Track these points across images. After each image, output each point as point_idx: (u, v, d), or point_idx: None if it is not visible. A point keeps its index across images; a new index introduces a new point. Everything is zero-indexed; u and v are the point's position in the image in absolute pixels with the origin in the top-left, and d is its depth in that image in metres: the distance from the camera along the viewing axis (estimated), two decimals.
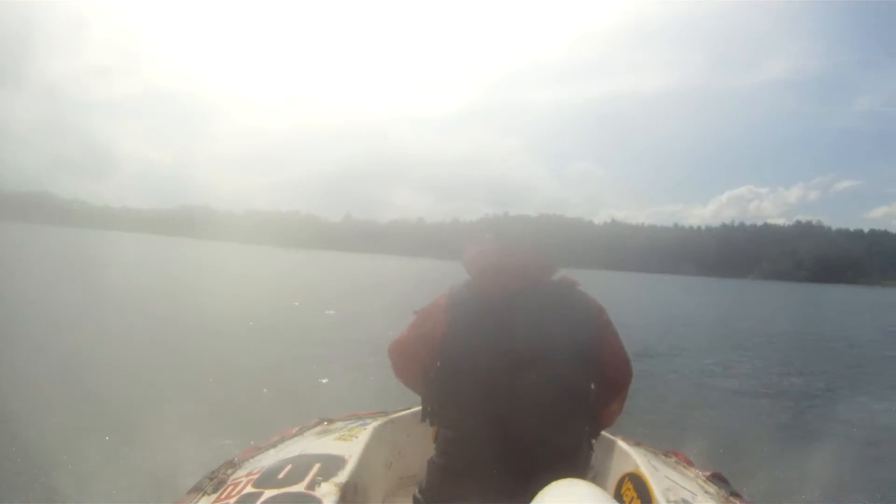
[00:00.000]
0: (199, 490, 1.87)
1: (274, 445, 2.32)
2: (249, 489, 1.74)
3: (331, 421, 2.64)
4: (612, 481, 2.22)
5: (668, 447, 2.62)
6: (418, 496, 1.93)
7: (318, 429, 2.53)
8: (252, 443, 2.42)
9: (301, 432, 2.49)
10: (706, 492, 2.00)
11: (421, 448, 2.30)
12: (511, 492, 1.67)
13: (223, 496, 1.76)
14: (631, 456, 2.17)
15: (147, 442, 4.61)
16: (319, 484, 1.74)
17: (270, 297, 18.17)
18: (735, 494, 2.05)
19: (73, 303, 13.04)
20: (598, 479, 2.18)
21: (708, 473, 2.22)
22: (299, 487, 1.72)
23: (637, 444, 2.44)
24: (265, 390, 6.85)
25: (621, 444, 2.35)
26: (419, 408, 2.07)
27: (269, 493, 1.69)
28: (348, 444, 2.13)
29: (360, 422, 2.56)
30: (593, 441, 1.93)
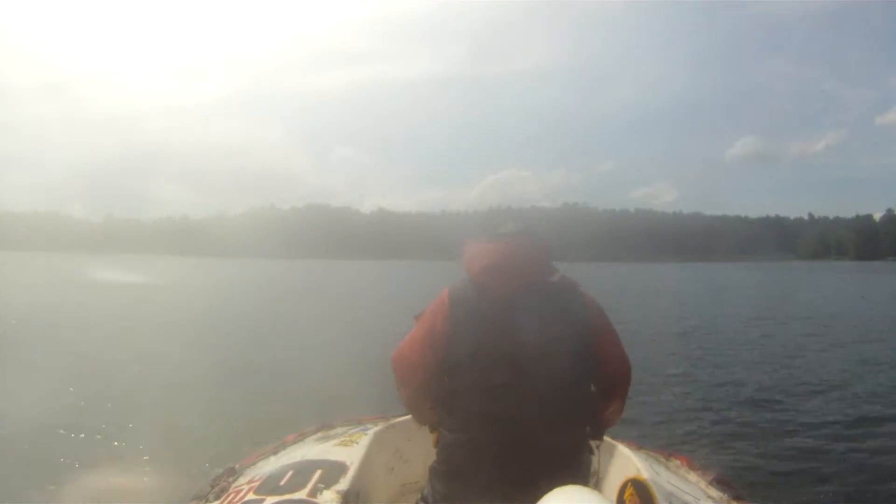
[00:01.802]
0: (201, 497, 1.87)
1: (275, 452, 2.31)
2: (251, 496, 1.73)
3: (331, 426, 2.62)
4: (614, 486, 2.21)
5: (670, 451, 2.61)
6: (421, 502, 1.92)
7: (319, 434, 2.52)
8: (252, 450, 2.41)
9: (301, 438, 2.48)
10: (710, 497, 2.00)
11: (422, 453, 2.27)
12: (513, 497, 1.65)
13: (225, 503, 1.76)
14: (633, 460, 2.16)
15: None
16: (321, 491, 1.73)
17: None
18: (739, 499, 2.04)
19: None
20: (599, 485, 2.16)
21: (711, 478, 2.21)
22: (301, 494, 1.71)
23: (639, 448, 2.44)
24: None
25: (623, 448, 2.34)
26: None
27: (270, 500, 1.69)
28: (349, 450, 2.12)
29: (361, 427, 2.54)
30: (596, 444, 1.92)
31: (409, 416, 2.62)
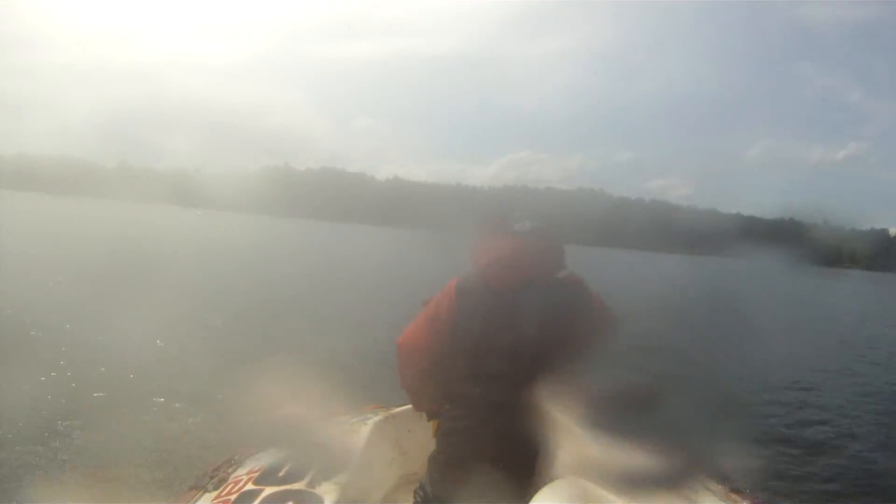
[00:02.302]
0: (199, 487, 1.88)
1: (274, 442, 2.31)
2: (250, 486, 1.75)
3: (331, 415, 2.62)
4: None
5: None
6: (419, 492, 1.96)
7: (318, 424, 2.52)
8: (251, 440, 2.40)
9: (301, 427, 2.47)
10: (708, 489, 1.98)
11: (422, 444, 2.28)
12: (509, 486, 1.70)
13: (224, 493, 1.77)
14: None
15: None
16: (320, 482, 1.74)
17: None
18: (737, 491, 2.04)
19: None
20: None
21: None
22: (300, 485, 1.73)
23: None
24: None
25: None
26: None
27: (269, 491, 1.70)
28: (349, 441, 2.14)
29: (361, 417, 2.54)
30: None
31: (409, 406, 2.62)
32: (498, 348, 1.79)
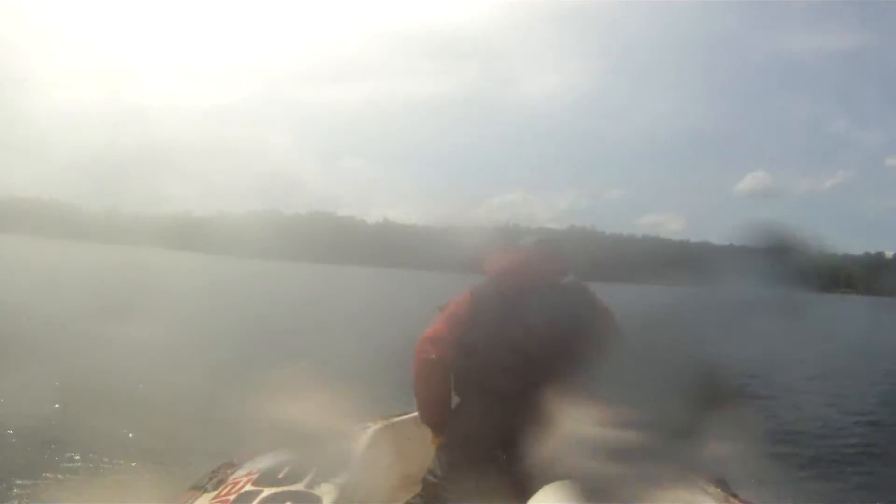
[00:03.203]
0: (198, 488, 1.88)
1: (273, 446, 2.30)
2: (249, 487, 1.75)
3: (332, 425, 2.61)
4: None
5: None
6: (429, 476, 2.10)
7: (319, 431, 2.51)
8: (251, 443, 2.40)
9: (301, 433, 2.47)
10: (706, 492, 1.99)
11: (421, 453, 2.33)
12: (513, 471, 1.84)
13: (223, 494, 1.77)
14: None
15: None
16: (319, 483, 1.76)
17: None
18: (734, 495, 2.05)
19: None
20: None
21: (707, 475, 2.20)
22: (299, 486, 1.74)
23: None
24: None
25: None
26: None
27: (268, 492, 1.72)
28: (349, 445, 2.17)
29: (361, 425, 2.55)
30: None
31: (409, 417, 2.63)
32: (507, 344, 1.97)
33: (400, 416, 2.70)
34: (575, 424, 1.83)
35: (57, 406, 5.22)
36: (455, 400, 2.19)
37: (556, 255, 2.17)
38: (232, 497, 1.70)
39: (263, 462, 2.00)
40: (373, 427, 2.47)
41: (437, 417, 2.18)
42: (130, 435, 4.71)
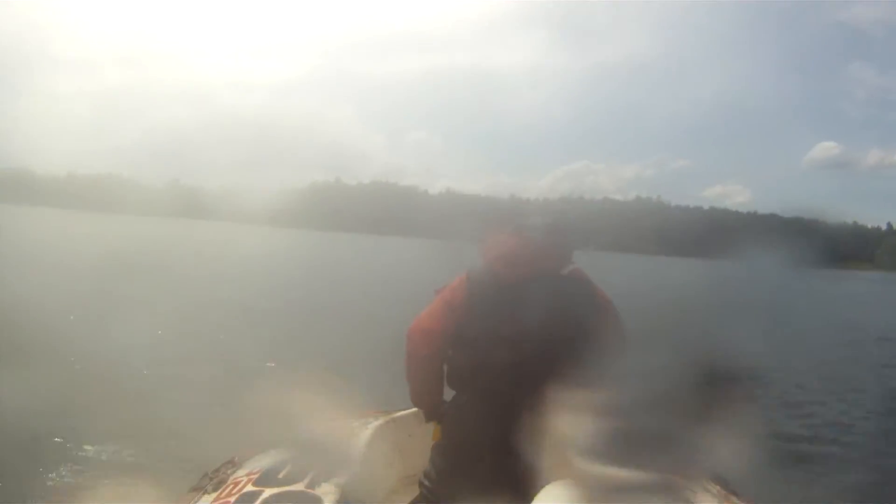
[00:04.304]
0: (199, 489, 1.89)
1: (274, 444, 2.36)
2: (250, 488, 1.76)
3: (332, 420, 2.65)
4: None
5: None
6: (424, 480, 2.04)
7: (319, 427, 2.56)
8: (251, 442, 2.45)
9: (301, 430, 2.52)
10: (706, 490, 1.94)
11: (423, 447, 2.31)
12: (510, 474, 1.79)
13: (223, 494, 1.78)
14: None
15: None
16: (320, 483, 1.76)
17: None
18: (734, 493, 2.02)
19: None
20: None
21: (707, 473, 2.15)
22: (299, 486, 1.74)
23: None
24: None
25: None
26: None
27: (269, 492, 1.72)
28: (349, 444, 2.17)
29: (362, 421, 2.55)
30: None
31: (410, 412, 2.61)
32: (503, 339, 1.86)
33: (402, 410, 2.68)
34: (573, 424, 1.82)
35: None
36: (448, 392, 2.12)
37: (556, 243, 2.03)
38: (233, 499, 1.72)
39: (264, 461, 2.01)
40: (374, 423, 2.46)
41: (430, 407, 2.15)
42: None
